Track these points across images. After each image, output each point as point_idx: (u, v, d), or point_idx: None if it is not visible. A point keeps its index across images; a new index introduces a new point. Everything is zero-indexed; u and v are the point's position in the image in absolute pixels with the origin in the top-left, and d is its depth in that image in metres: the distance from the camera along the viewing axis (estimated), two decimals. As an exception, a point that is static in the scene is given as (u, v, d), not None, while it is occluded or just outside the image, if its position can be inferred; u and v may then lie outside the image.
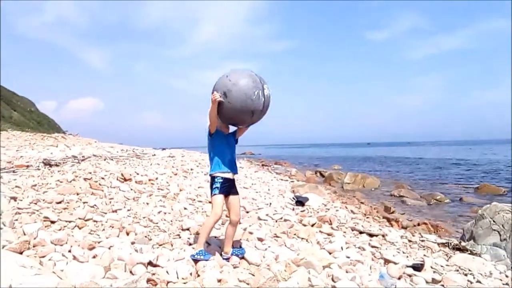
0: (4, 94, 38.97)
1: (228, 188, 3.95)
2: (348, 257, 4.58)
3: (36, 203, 4.83)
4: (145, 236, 4.36)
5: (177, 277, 3.33)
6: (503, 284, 4.67)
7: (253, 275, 3.65)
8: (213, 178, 3.95)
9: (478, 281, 4.51)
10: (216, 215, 3.84)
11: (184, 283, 3.25)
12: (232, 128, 4.13)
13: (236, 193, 4.09)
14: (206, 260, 3.71)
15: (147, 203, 5.89)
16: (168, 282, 3.23)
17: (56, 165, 8.83)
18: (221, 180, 3.89)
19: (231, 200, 4.00)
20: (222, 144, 3.99)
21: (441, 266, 4.83)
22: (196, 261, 3.70)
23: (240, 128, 4.13)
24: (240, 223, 5.41)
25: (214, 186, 3.89)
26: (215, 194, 3.88)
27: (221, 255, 4.05)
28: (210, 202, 6.52)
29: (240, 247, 4.35)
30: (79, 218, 4.53)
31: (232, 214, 4.01)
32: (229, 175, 3.95)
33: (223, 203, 3.91)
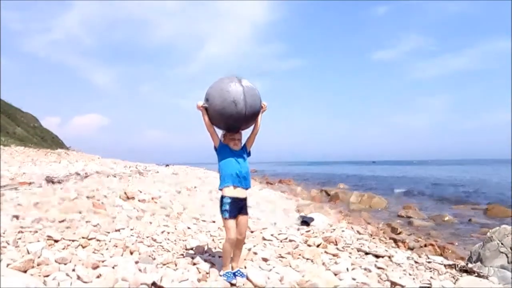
0: (9, 110, 39.26)
1: (239, 210, 3.92)
2: (354, 279, 4.49)
3: (38, 222, 4.80)
4: (149, 256, 4.31)
5: (181, 299, 3.28)
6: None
7: (258, 297, 3.59)
8: (221, 198, 3.93)
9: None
10: (230, 240, 3.87)
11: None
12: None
13: (246, 213, 4.05)
14: (229, 282, 3.80)
15: (150, 222, 5.84)
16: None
17: (59, 182, 8.83)
18: (229, 201, 3.86)
19: (239, 220, 3.96)
20: (228, 157, 3.96)
21: (448, 289, 4.73)
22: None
23: (248, 139, 4.13)
24: (245, 243, 5.36)
25: (223, 209, 3.87)
26: (225, 219, 3.87)
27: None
28: (214, 222, 6.50)
29: (245, 267, 4.30)
30: (83, 237, 4.48)
31: (237, 233, 3.96)
32: (237, 193, 3.91)
33: (235, 226, 3.90)
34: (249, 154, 4.14)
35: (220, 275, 3.93)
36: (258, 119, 4.09)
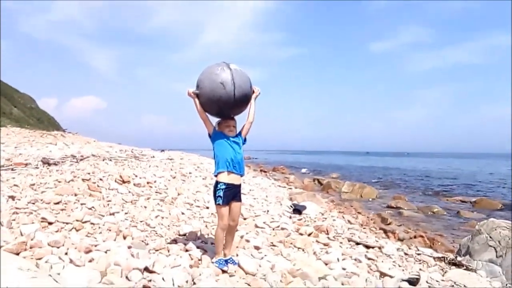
0: (6, 90, 39.01)
1: (233, 195, 3.94)
2: (344, 269, 4.58)
3: (34, 203, 4.83)
4: (142, 241, 4.35)
5: (173, 284, 3.31)
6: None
7: (249, 284, 3.65)
8: (216, 184, 3.95)
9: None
10: (223, 225, 3.93)
11: (180, 290, 3.24)
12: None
13: (239, 200, 4.08)
14: (221, 269, 3.87)
15: (145, 207, 5.88)
16: (164, 290, 3.23)
17: (55, 164, 8.82)
18: (223, 187, 3.88)
19: (232, 206, 3.98)
20: (223, 143, 3.96)
21: (437, 281, 4.82)
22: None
23: (243, 128, 4.14)
24: (237, 230, 5.42)
25: (217, 195, 3.89)
26: (219, 205, 3.89)
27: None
28: (207, 208, 6.55)
29: (237, 255, 4.35)
30: (77, 220, 4.51)
31: (229, 219, 3.99)
32: (231, 179, 3.92)
33: (228, 213, 3.93)
34: (244, 141, 4.16)
35: (212, 262, 3.98)
36: (252, 107, 4.11)
